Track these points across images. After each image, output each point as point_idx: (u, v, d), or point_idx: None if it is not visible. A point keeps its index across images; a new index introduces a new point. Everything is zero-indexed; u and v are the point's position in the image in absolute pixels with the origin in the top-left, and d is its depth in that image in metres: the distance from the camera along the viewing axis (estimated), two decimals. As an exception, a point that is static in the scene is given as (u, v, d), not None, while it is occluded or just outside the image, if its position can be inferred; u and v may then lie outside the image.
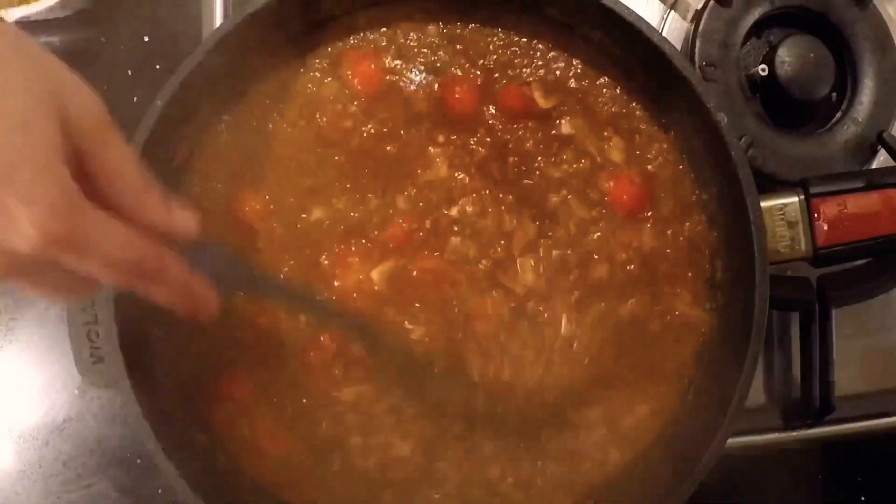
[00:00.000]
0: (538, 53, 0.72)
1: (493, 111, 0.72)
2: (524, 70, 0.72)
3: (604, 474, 0.70)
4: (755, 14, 0.83)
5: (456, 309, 0.70)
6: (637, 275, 0.70)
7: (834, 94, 0.84)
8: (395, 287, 0.69)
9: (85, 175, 0.45)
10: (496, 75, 0.72)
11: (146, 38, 0.86)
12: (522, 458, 0.69)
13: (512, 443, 0.69)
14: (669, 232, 0.71)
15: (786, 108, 0.83)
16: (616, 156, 0.72)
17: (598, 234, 0.71)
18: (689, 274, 0.71)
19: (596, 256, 0.70)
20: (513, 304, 0.70)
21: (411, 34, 0.72)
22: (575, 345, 0.70)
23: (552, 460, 0.69)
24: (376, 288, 0.69)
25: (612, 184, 0.71)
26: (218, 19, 0.82)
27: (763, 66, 0.82)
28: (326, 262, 0.70)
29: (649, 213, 0.71)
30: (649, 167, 0.72)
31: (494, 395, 0.69)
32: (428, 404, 0.69)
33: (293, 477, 0.69)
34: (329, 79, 0.72)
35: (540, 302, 0.70)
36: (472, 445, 0.69)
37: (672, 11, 0.86)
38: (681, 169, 0.72)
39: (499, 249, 0.70)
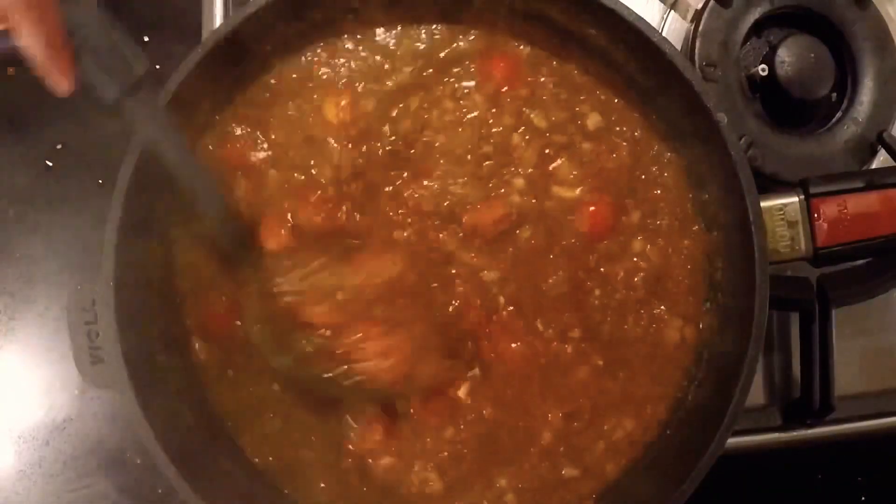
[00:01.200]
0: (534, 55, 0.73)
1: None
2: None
3: (604, 481, 0.71)
4: (755, 14, 0.83)
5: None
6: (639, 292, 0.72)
7: (834, 94, 0.84)
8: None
9: None
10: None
11: (146, 38, 0.86)
12: (537, 489, 0.70)
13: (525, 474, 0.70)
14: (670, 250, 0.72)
15: (786, 108, 0.83)
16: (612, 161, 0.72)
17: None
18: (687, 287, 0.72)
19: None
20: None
21: (412, 34, 0.73)
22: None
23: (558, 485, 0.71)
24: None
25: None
26: (218, 19, 0.82)
27: (763, 66, 0.82)
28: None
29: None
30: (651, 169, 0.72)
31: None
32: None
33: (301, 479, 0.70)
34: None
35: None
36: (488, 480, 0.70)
37: (672, 11, 0.86)
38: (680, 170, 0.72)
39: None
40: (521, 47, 0.73)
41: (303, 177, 0.71)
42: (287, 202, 0.70)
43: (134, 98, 0.54)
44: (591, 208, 0.71)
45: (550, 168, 0.72)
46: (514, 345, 0.70)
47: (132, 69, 0.54)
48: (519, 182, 0.71)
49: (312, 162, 0.71)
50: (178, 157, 0.59)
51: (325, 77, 0.72)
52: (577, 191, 0.71)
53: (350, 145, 0.71)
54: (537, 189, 0.71)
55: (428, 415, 0.69)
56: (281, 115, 0.71)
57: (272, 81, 0.72)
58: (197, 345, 0.70)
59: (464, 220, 0.70)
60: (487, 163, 0.72)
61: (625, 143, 0.72)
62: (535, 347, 0.70)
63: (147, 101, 0.55)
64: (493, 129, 0.72)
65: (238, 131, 0.71)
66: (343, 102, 0.71)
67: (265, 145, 0.71)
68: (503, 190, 0.71)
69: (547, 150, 0.72)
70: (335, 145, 0.71)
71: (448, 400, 0.70)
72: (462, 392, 0.70)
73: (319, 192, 0.70)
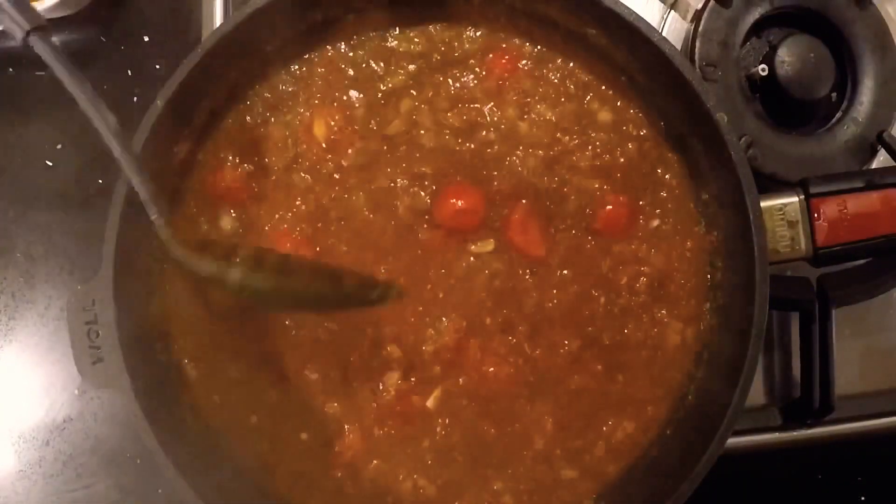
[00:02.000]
0: (535, 55, 0.73)
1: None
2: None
3: (604, 482, 0.71)
4: (755, 14, 0.83)
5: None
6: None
7: (834, 94, 0.85)
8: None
9: None
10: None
11: (146, 38, 0.86)
12: (534, 490, 0.70)
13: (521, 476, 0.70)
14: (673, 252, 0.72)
15: (786, 108, 0.83)
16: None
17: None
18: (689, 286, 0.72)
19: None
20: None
21: (413, 34, 0.73)
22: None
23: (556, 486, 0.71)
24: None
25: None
26: (218, 19, 0.82)
27: (763, 66, 0.82)
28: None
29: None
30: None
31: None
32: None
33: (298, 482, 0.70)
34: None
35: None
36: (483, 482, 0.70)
37: (672, 11, 0.86)
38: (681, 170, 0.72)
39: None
40: (523, 45, 0.73)
41: (287, 214, 0.70)
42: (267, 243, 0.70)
43: (36, 38, 0.58)
44: (608, 207, 0.71)
45: (564, 152, 0.71)
46: (492, 369, 0.70)
47: (35, 16, 0.59)
48: (531, 162, 0.71)
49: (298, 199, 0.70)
50: (79, 93, 0.59)
51: (319, 83, 0.72)
52: (595, 183, 0.71)
53: (338, 175, 0.71)
54: (551, 171, 0.71)
55: (398, 424, 0.69)
56: (272, 136, 0.71)
57: (266, 94, 0.72)
58: (187, 364, 0.70)
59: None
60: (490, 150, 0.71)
61: (630, 144, 0.72)
62: (520, 367, 0.70)
63: (47, 41, 0.59)
64: (496, 119, 0.72)
65: (228, 155, 0.71)
66: (332, 122, 0.71)
67: (251, 168, 0.71)
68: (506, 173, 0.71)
69: (558, 135, 0.72)
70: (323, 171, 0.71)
71: (415, 410, 0.69)
72: (430, 402, 0.70)
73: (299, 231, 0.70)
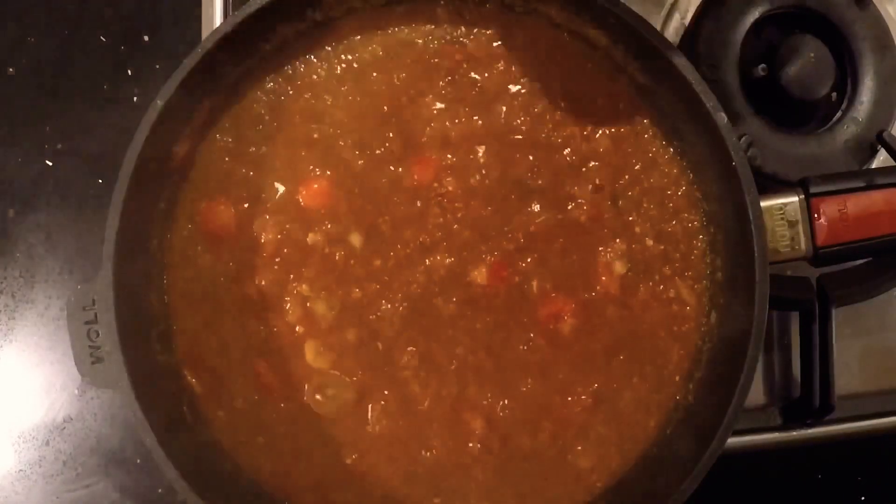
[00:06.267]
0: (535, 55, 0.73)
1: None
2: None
3: (607, 478, 0.70)
4: (755, 14, 0.83)
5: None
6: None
7: (834, 94, 0.85)
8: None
9: None
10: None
11: (146, 38, 0.86)
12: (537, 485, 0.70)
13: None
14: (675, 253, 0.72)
15: (786, 107, 0.83)
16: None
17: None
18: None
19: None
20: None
21: (412, 35, 0.73)
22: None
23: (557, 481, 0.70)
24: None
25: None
26: (218, 19, 0.82)
27: (763, 66, 0.82)
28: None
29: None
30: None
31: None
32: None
33: (292, 483, 0.69)
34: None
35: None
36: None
37: (672, 11, 0.86)
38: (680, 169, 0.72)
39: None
40: (523, 45, 0.73)
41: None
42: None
43: None
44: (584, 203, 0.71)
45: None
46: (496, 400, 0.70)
47: None
48: (525, 165, 0.71)
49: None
50: None
51: (320, 82, 0.72)
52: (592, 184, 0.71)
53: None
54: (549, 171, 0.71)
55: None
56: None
57: (264, 96, 0.72)
58: (189, 377, 0.70)
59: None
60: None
61: (630, 150, 0.72)
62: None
63: None
64: (495, 119, 0.72)
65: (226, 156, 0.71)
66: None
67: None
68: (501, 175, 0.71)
69: (559, 140, 0.72)
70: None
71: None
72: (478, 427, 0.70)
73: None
